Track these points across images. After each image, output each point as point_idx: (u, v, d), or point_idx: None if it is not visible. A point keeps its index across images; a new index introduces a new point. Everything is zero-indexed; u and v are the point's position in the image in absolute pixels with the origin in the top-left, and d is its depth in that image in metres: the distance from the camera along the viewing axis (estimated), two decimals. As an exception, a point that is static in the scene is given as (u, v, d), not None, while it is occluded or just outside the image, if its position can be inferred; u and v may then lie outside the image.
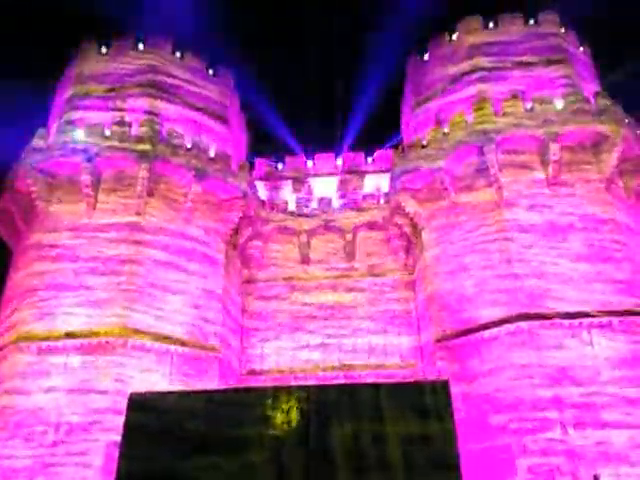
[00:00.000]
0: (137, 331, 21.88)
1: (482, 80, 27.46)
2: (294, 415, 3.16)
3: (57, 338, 21.58)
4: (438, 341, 22.88)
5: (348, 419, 3.14)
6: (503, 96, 26.05)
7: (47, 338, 21.61)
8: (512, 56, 27.92)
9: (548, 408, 19.24)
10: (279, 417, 3.16)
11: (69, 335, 21.58)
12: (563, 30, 29.06)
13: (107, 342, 21.34)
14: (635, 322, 20.45)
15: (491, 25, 29.08)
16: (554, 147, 23.13)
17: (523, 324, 20.75)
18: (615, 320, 20.44)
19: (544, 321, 20.66)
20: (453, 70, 28.95)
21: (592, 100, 24.67)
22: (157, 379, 21.44)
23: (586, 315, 20.65)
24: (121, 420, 3.37)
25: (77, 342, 21.38)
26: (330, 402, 3.15)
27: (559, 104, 24.36)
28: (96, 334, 21.53)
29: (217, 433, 3.12)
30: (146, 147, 24.68)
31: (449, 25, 30.46)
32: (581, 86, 26.60)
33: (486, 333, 21.44)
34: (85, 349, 21.31)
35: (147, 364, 21.58)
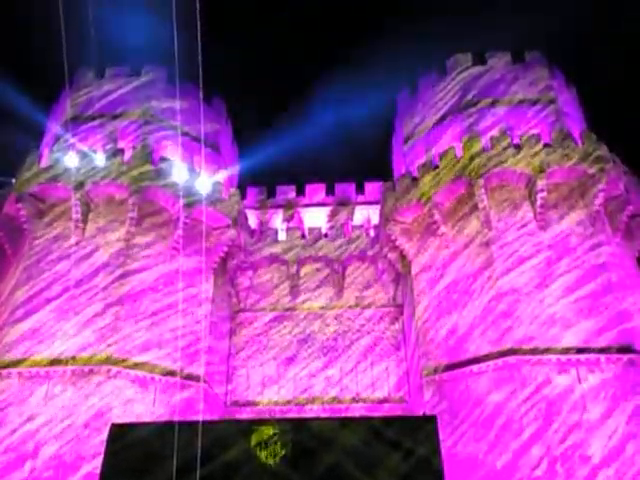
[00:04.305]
0: (121, 359, 21.54)
1: (471, 116, 27.94)
2: (278, 448, 3.11)
3: (40, 365, 21.20)
4: (426, 375, 22.74)
5: (334, 453, 3.10)
6: (491, 132, 26.51)
7: (29, 365, 21.22)
8: (500, 93, 28.49)
9: (535, 444, 19.06)
10: (263, 450, 3.11)
11: (52, 362, 21.21)
12: (549, 69, 29.71)
13: (90, 370, 20.97)
14: (622, 359, 20.45)
15: (479, 68, 29.55)
16: (541, 184, 23.46)
17: (511, 359, 20.70)
18: (602, 357, 20.44)
19: (532, 356, 20.62)
20: (443, 106, 29.48)
21: (578, 139, 25.16)
22: (141, 409, 21.02)
23: (574, 351, 20.65)
24: (101, 450, 3.31)
25: (59, 369, 20.98)
26: (316, 435, 3.11)
27: (546, 143, 24.78)
28: (80, 362, 21.16)
29: (198, 465, 3.06)
30: (137, 175, 24.72)
31: (439, 61, 31.18)
32: (567, 124, 27.14)
33: (474, 367, 21.36)
34: (68, 377, 20.90)
35: (131, 393, 21.18)
